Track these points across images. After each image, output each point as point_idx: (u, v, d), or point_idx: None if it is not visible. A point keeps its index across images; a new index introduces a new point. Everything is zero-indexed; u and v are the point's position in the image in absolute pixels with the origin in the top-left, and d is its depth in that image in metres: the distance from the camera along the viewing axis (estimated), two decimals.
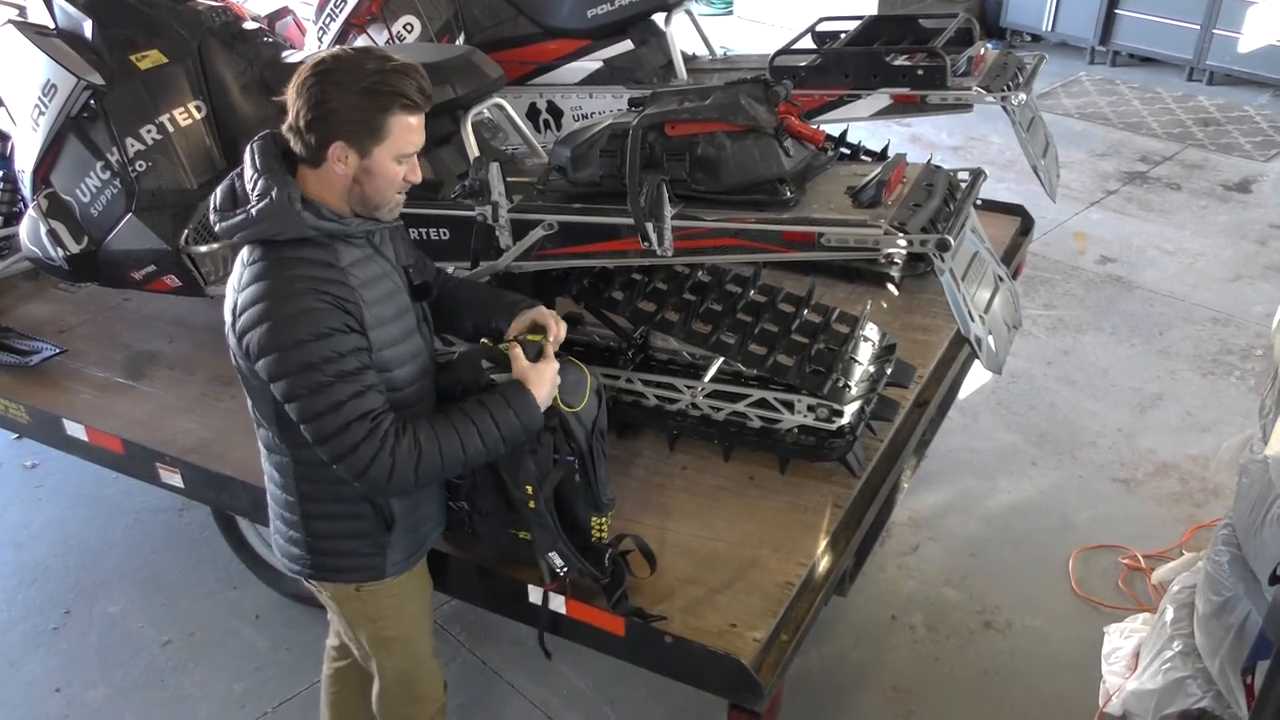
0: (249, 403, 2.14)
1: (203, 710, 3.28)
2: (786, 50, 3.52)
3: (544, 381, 2.14)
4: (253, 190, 1.99)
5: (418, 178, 2.05)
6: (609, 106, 3.94)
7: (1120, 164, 6.84)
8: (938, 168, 2.63)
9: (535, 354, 2.18)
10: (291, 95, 1.94)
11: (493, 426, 2.06)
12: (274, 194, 1.95)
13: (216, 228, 2.04)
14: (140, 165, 3.16)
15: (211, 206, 2.07)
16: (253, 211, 1.96)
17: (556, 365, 2.18)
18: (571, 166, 2.65)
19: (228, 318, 2.01)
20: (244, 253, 2.02)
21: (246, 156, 2.03)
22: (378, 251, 2.11)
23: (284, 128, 1.98)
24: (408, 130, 1.95)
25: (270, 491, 2.27)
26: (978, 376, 4.31)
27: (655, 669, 2.44)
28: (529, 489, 2.24)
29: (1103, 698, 3.07)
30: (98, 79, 3.12)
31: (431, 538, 2.41)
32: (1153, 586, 3.51)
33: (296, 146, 1.97)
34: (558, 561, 2.31)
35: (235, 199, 2.03)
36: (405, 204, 2.77)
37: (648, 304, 2.84)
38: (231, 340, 2.01)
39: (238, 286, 2.00)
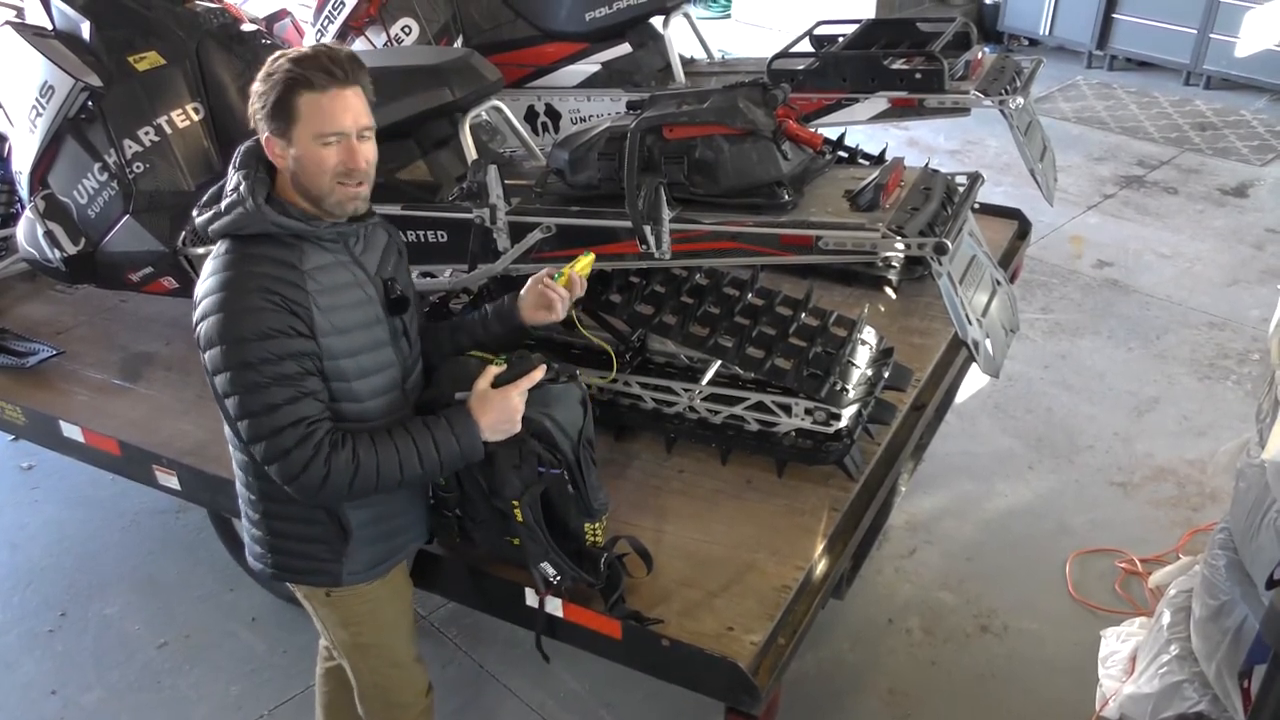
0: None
1: (199, 713, 3.27)
2: (784, 54, 3.52)
3: (490, 410, 2.09)
4: (228, 187, 2.02)
5: (356, 163, 1.98)
6: (607, 109, 3.94)
7: (1117, 168, 6.85)
8: (935, 171, 2.64)
9: (519, 373, 2.14)
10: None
11: (433, 451, 2.05)
12: (240, 189, 1.97)
13: (195, 223, 2.07)
14: (138, 167, 3.16)
15: (199, 204, 2.09)
16: (222, 206, 2.00)
17: (503, 394, 2.11)
18: (569, 169, 2.65)
19: (192, 310, 2.02)
20: (215, 247, 2.04)
21: (233, 158, 2.06)
22: (354, 259, 2.09)
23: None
24: (315, 107, 1.92)
25: (237, 488, 2.28)
26: (975, 380, 4.31)
27: (652, 672, 2.43)
28: (515, 504, 2.23)
29: (1099, 701, 3.07)
30: (95, 80, 3.13)
31: (408, 548, 2.39)
32: (1150, 590, 3.51)
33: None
34: (550, 572, 2.30)
35: (219, 197, 2.05)
36: (403, 206, 2.78)
37: (645, 307, 2.83)
38: (193, 333, 2.02)
39: (201, 279, 2.02)
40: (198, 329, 1.97)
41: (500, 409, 2.10)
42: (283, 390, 1.94)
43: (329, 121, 1.94)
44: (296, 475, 1.97)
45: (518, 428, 2.14)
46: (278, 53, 1.97)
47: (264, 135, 1.97)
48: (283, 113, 1.92)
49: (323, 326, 1.99)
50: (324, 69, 1.92)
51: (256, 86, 1.95)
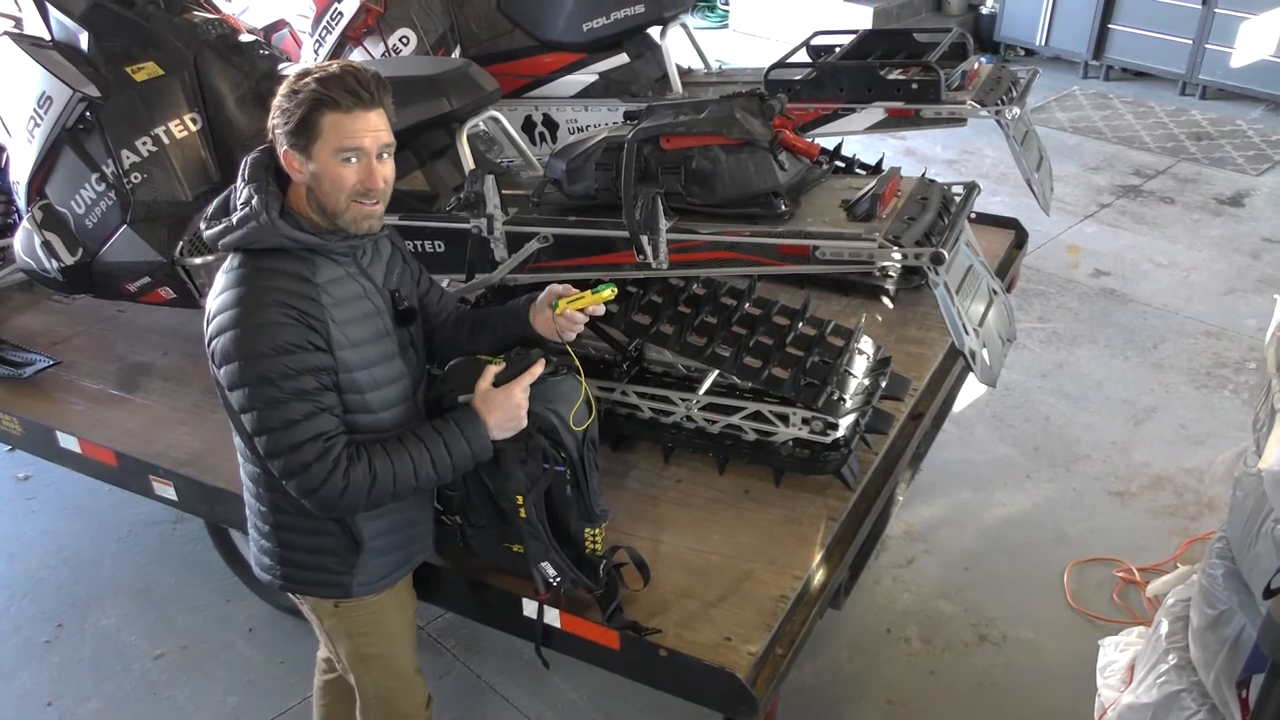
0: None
1: None
2: (781, 64, 3.53)
3: (495, 409, 2.11)
4: (238, 199, 2.01)
5: (375, 183, 2.00)
6: (604, 119, 3.95)
7: (1114, 177, 6.86)
8: (932, 181, 2.64)
9: (518, 370, 2.15)
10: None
11: (445, 455, 2.07)
12: (254, 203, 1.97)
13: (203, 235, 2.06)
14: (135, 177, 3.16)
15: (204, 216, 2.09)
16: (233, 219, 1.99)
17: (506, 392, 2.13)
18: (567, 179, 2.66)
19: (204, 325, 2.02)
20: (226, 261, 2.04)
21: (240, 168, 2.05)
22: (362, 272, 2.10)
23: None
24: (338, 126, 1.93)
25: (246, 499, 2.27)
26: (972, 389, 4.31)
27: (650, 682, 2.43)
28: (519, 499, 2.24)
29: (1098, 711, 3.07)
30: (93, 91, 3.13)
31: (417, 558, 2.40)
32: (1147, 599, 3.51)
33: (277, 163, 2.01)
34: (550, 572, 2.31)
35: (227, 209, 2.05)
36: (401, 217, 2.77)
37: (643, 317, 2.84)
38: (206, 347, 2.02)
39: (214, 294, 2.02)
40: (212, 344, 1.97)
41: (504, 407, 2.12)
42: (301, 405, 1.95)
43: (350, 140, 1.94)
44: (316, 489, 1.97)
45: (523, 423, 2.16)
46: (301, 69, 1.97)
47: (282, 149, 1.96)
48: (305, 130, 1.92)
49: (338, 340, 2.00)
50: (350, 90, 1.92)
51: (279, 101, 1.94)
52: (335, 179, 1.96)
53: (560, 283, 2.28)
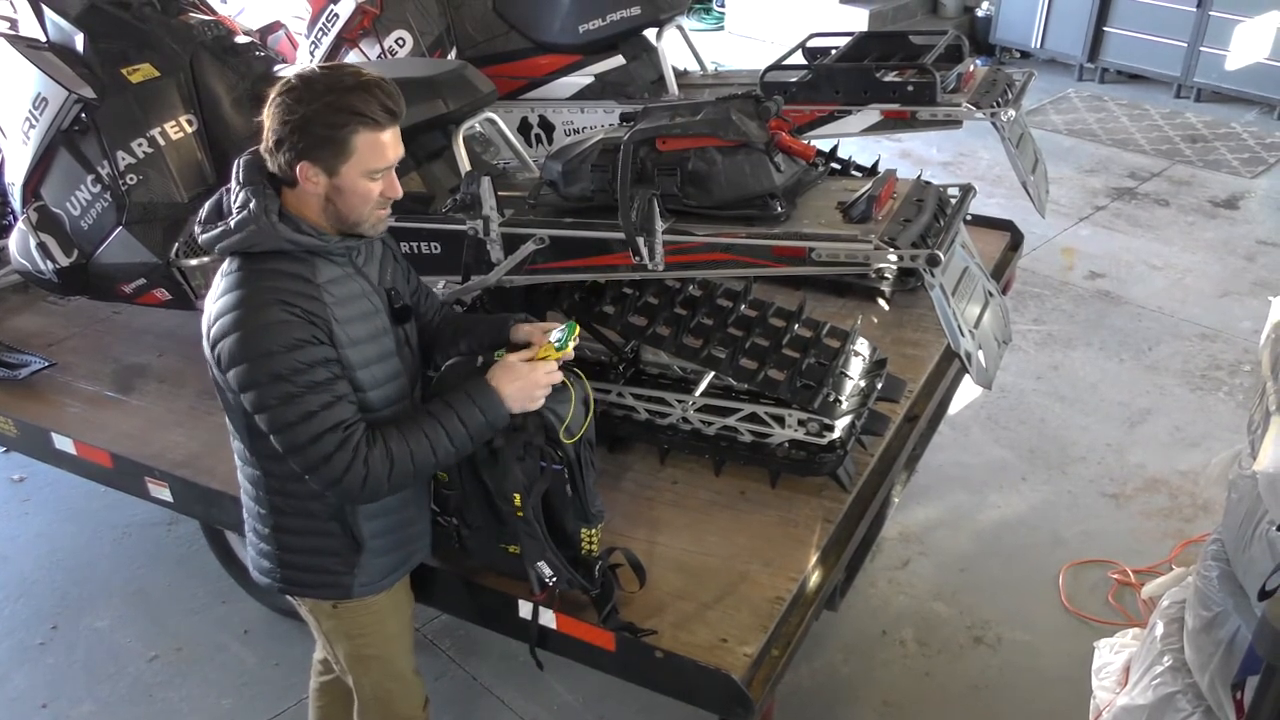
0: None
1: None
2: (777, 66, 3.53)
3: (511, 378, 2.10)
4: (234, 203, 2.00)
5: (397, 193, 2.03)
6: (600, 121, 3.96)
7: (1109, 180, 6.88)
8: (928, 183, 2.65)
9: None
10: (264, 117, 1.95)
11: (459, 425, 2.06)
12: (251, 206, 1.96)
13: (199, 239, 2.06)
14: (131, 178, 3.16)
15: (198, 219, 2.08)
16: (231, 223, 1.98)
17: (530, 366, 2.12)
18: (563, 181, 2.66)
19: (204, 328, 2.02)
20: (224, 265, 2.04)
21: (233, 171, 2.04)
22: (358, 271, 2.11)
23: (261, 149, 1.99)
24: (374, 146, 1.94)
25: (244, 502, 2.27)
26: (968, 391, 4.31)
27: (645, 684, 2.43)
28: (516, 497, 2.24)
29: (1093, 713, 3.07)
30: (89, 92, 3.13)
31: (415, 559, 2.40)
32: (1143, 601, 3.51)
33: (271, 166, 1.98)
34: (546, 571, 2.31)
35: (220, 212, 2.04)
36: (397, 218, 2.77)
37: (639, 318, 2.84)
38: (207, 351, 2.01)
39: (214, 298, 2.01)
40: (216, 348, 1.97)
41: (525, 377, 2.11)
42: (317, 397, 1.94)
43: (382, 159, 1.96)
44: (339, 478, 1.97)
45: (539, 403, 2.14)
46: (321, 81, 1.90)
47: (299, 163, 1.92)
48: (336, 148, 1.91)
49: (340, 338, 2.00)
50: (386, 109, 1.93)
51: (305, 112, 1.88)
52: (363, 194, 1.98)
53: (525, 318, 2.32)
